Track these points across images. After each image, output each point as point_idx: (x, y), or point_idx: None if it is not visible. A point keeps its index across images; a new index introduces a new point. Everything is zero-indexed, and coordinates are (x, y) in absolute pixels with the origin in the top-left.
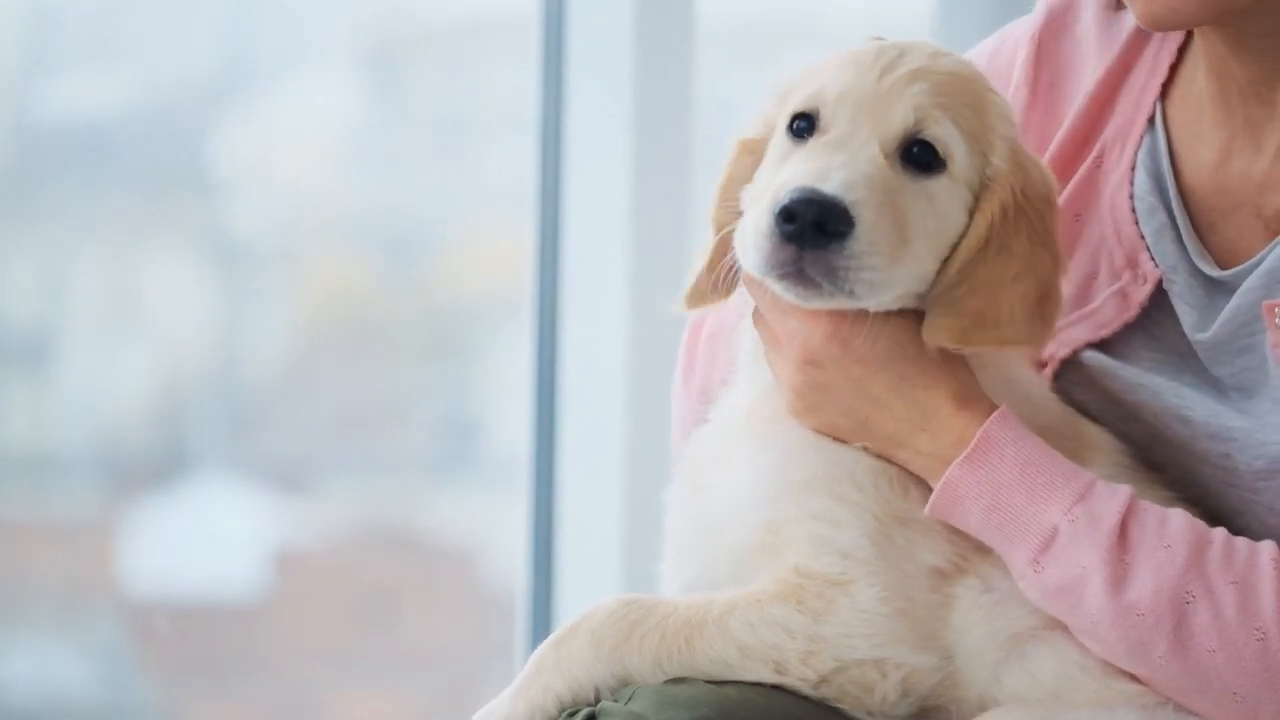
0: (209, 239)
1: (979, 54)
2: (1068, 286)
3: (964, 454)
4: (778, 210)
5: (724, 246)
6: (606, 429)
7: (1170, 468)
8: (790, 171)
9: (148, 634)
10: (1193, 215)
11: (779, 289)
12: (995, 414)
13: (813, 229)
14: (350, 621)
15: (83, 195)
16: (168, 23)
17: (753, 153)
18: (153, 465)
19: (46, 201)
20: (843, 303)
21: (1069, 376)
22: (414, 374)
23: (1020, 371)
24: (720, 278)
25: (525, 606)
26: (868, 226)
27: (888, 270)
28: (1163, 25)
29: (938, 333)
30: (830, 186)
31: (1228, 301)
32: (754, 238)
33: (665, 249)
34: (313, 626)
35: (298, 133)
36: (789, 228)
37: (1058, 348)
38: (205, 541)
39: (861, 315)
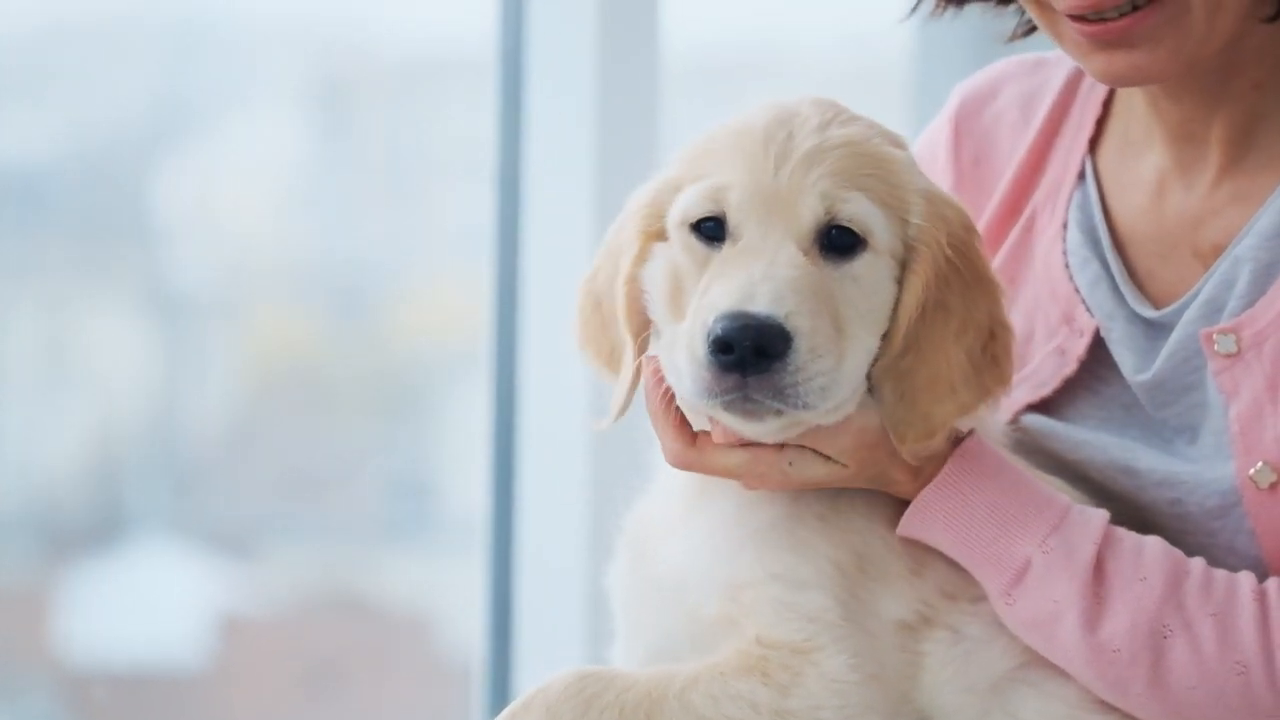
0: (148, 289)
1: None
2: (1013, 317)
3: (940, 474)
4: (711, 341)
5: (649, 366)
6: (567, 489)
7: (1122, 523)
8: (714, 293)
9: (85, 705)
10: (1130, 263)
11: (724, 418)
12: (969, 437)
13: (753, 355)
14: (298, 692)
15: (14, 243)
16: (103, 61)
17: (658, 237)
18: (90, 527)
19: None
20: (799, 418)
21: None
22: (365, 432)
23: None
24: (659, 401)
25: (482, 676)
26: (806, 335)
27: (836, 370)
28: (1127, 83)
29: (905, 436)
30: (760, 306)
31: (1167, 340)
32: (689, 366)
33: None
34: (259, 697)
35: (242, 177)
36: (726, 358)
37: (998, 413)
38: (146, 607)
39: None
